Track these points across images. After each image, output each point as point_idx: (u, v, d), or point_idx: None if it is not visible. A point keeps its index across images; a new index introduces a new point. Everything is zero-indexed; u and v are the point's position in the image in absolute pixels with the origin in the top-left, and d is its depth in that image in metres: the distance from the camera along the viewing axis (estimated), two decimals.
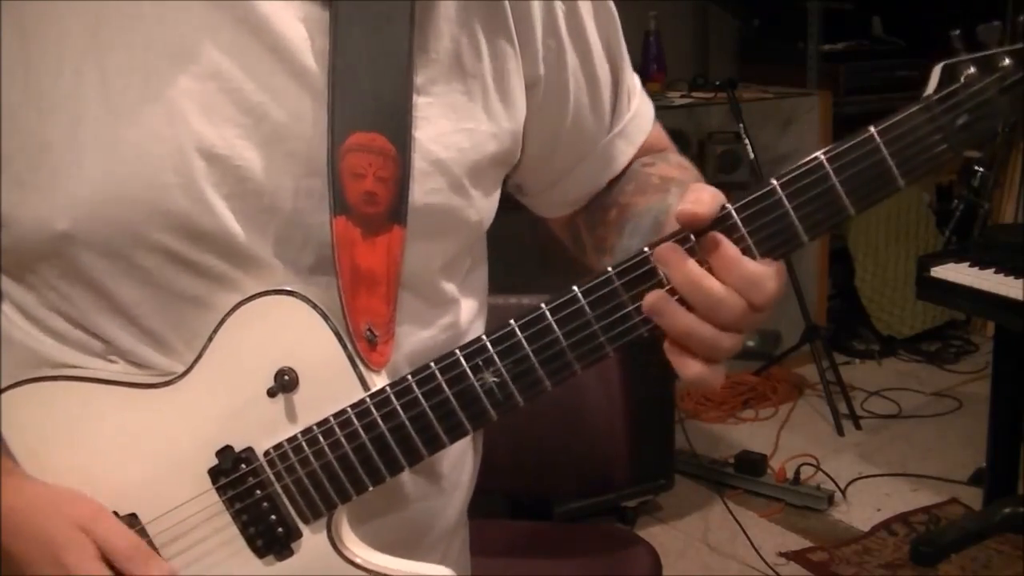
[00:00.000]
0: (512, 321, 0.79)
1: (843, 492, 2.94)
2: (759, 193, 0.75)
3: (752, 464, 2.99)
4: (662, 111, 4.15)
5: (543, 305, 0.78)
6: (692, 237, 0.76)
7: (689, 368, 0.77)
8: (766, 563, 2.61)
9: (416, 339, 0.89)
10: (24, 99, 0.78)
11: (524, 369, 0.79)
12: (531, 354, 0.79)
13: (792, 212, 0.75)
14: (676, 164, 1.02)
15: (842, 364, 3.59)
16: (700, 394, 3.50)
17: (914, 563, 2.57)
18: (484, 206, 0.91)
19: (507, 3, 0.88)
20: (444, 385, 0.80)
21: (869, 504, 2.89)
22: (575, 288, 0.78)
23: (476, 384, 0.80)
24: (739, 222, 0.75)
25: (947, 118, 0.74)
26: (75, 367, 0.85)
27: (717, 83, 3.47)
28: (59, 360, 0.86)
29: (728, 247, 0.75)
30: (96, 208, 0.79)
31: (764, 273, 0.76)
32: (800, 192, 0.75)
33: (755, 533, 2.70)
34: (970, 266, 2.39)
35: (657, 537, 2.71)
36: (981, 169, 3.80)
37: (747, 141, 3.35)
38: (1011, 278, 2.29)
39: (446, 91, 0.86)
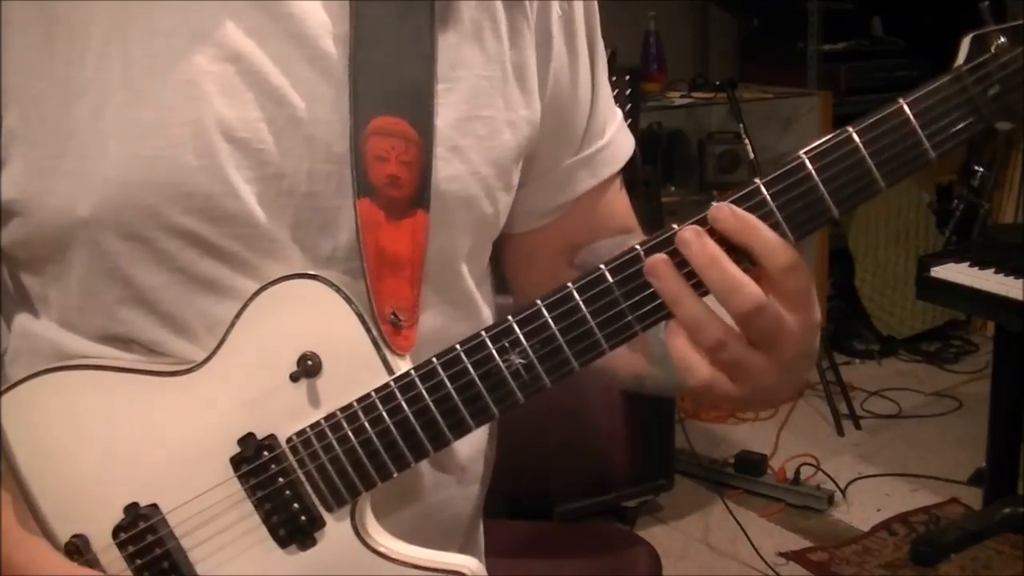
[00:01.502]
0: (538, 300, 0.77)
1: (843, 492, 2.94)
2: (787, 168, 0.74)
3: (752, 464, 2.99)
4: (662, 111, 4.12)
5: (569, 284, 0.77)
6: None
7: (695, 369, 0.75)
8: (766, 563, 2.61)
9: (436, 328, 0.89)
10: (49, 86, 0.79)
11: (551, 349, 0.77)
12: (558, 333, 0.77)
13: (822, 186, 0.73)
14: None
15: (842, 364, 3.60)
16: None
17: (914, 563, 2.57)
18: (500, 199, 0.90)
19: None
20: (470, 368, 0.79)
21: (869, 504, 2.89)
22: (602, 266, 0.76)
23: (503, 366, 0.78)
24: (768, 197, 0.74)
25: (977, 89, 0.72)
26: (95, 357, 0.85)
27: (717, 83, 3.47)
28: (78, 351, 0.86)
29: (745, 213, 0.73)
30: (118, 192, 0.79)
31: (783, 244, 0.73)
32: (829, 166, 0.73)
33: (755, 533, 2.70)
34: (970, 266, 2.39)
35: (657, 537, 2.71)
36: (981, 169, 3.80)
37: (747, 141, 3.35)
38: (1011, 278, 2.29)
39: (466, 76, 0.86)
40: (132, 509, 0.83)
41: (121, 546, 0.83)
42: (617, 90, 2.93)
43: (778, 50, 3.96)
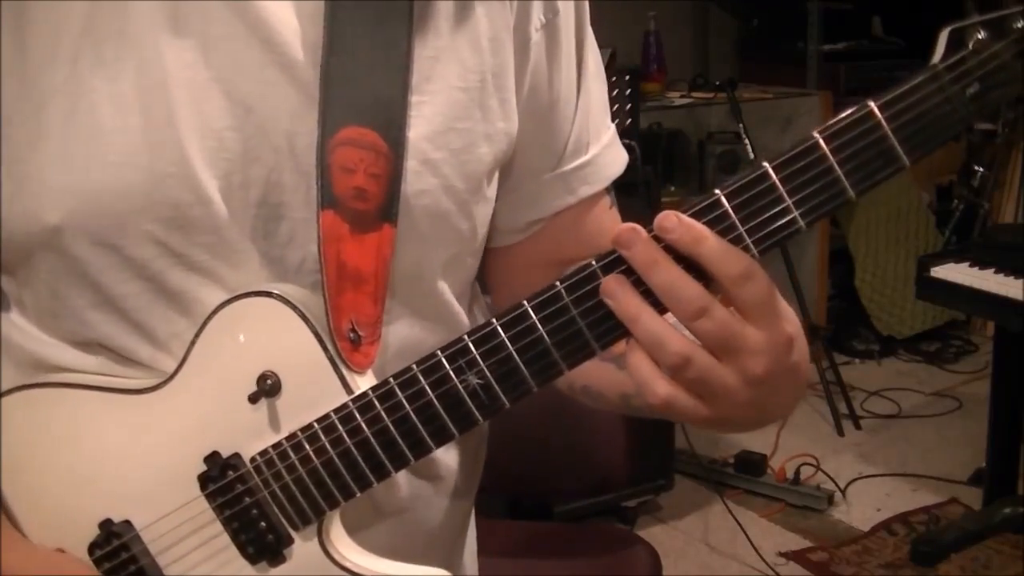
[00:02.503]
0: (494, 320, 0.75)
1: (843, 492, 2.94)
2: (750, 178, 0.69)
3: (752, 464, 2.99)
4: (662, 111, 4.10)
5: (525, 302, 0.74)
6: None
7: (653, 386, 0.71)
8: (766, 563, 2.61)
9: (411, 343, 0.88)
10: (20, 91, 0.78)
11: (508, 370, 0.75)
12: (515, 354, 0.75)
13: (786, 196, 0.68)
14: None
15: (842, 364, 3.60)
16: None
17: (914, 563, 2.57)
18: (475, 212, 0.88)
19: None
20: (427, 388, 0.77)
21: (869, 504, 2.89)
22: (557, 283, 0.73)
23: (460, 386, 0.76)
24: (730, 209, 0.69)
25: (956, 88, 0.67)
26: (63, 370, 0.85)
27: (717, 83, 3.47)
28: (48, 357, 0.85)
29: (694, 221, 0.69)
30: (87, 199, 0.78)
31: (729, 250, 0.69)
32: (794, 176, 0.68)
33: (755, 533, 2.70)
34: (970, 266, 2.39)
35: (657, 537, 2.71)
36: (981, 169, 3.81)
37: (747, 141, 3.35)
38: (1011, 278, 2.29)
39: (442, 88, 0.84)
40: (106, 525, 0.83)
41: (97, 563, 0.83)
42: (617, 90, 2.93)
43: (778, 50, 3.96)
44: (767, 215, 0.69)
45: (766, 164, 0.69)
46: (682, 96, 3.57)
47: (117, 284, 0.82)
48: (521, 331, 0.74)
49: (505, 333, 0.75)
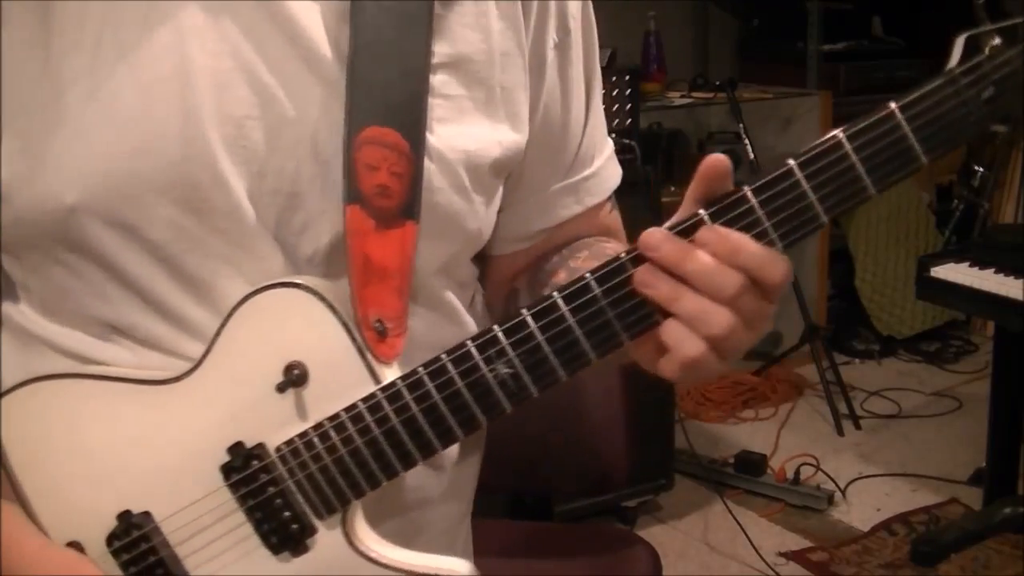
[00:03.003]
0: (524, 310, 0.77)
1: (843, 492, 2.94)
2: (776, 174, 0.73)
3: (752, 464, 2.99)
4: (662, 111, 4.11)
5: (555, 294, 0.76)
6: (703, 216, 0.74)
7: (691, 345, 0.73)
8: (766, 563, 2.61)
9: (422, 338, 0.88)
10: (42, 75, 0.79)
11: (538, 359, 0.77)
12: (544, 343, 0.77)
13: (811, 193, 0.72)
14: None
15: (842, 364, 3.60)
16: (700, 394, 3.50)
17: (914, 563, 2.57)
18: (483, 214, 0.90)
19: (520, 12, 0.88)
20: (456, 378, 0.79)
21: (869, 504, 2.89)
22: (587, 275, 0.76)
23: (489, 376, 0.78)
24: (756, 204, 0.73)
25: (972, 91, 0.70)
26: (83, 360, 0.85)
27: (717, 83, 3.48)
28: (66, 347, 0.86)
29: (729, 232, 0.73)
30: (105, 179, 0.79)
31: (768, 254, 0.74)
32: (819, 172, 0.72)
33: (755, 533, 2.70)
34: (970, 266, 2.39)
35: (657, 537, 2.71)
36: (981, 169, 3.81)
37: (747, 141, 3.36)
38: (1011, 278, 2.29)
39: (456, 95, 0.86)
40: (125, 517, 0.83)
41: (115, 554, 0.84)
42: (617, 90, 2.93)
43: (778, 50, 3.96)
44: (792, 211, 0.73)
45: (791, 161, 0.72)
46: (682, 96, 3.57)
47: (133, 265, 0.82)
48: (551, 322, 0.77)
49: (535, 323, 0.77)
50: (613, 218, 1.02)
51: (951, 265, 2.42)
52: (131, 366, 0.85)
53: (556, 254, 1.00)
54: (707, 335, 0.73)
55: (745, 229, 0.73)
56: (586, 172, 0.98)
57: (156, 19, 0.79)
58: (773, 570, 2.59)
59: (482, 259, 1.00)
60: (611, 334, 0.76)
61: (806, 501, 2.88)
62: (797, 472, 2.95)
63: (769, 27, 4.06)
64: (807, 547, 2.69)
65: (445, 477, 0.96)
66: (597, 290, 0.76)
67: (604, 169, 1.00)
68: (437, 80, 0.85)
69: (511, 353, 0.77)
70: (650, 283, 0.74)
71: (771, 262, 0.73)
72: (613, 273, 0.75)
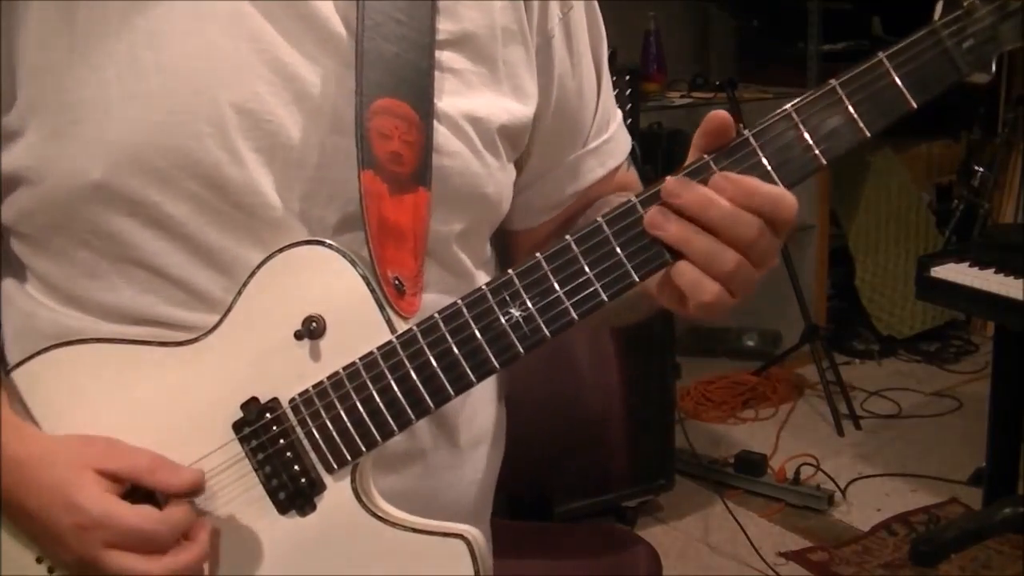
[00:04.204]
0: (538, 254, 0.80)
1: (843, 492, 2.94)
2: (775, 119, 0.78)
3: (752, 464, 2.99)
4: (662, 111, 4.11)
5: (568, 236, 0.79)
6: (710, 164, 0.78)
7: (705, 289, 0.77)
8: (766, 563, 2.61)
9: (437, 302, 0.89)
10: (66, 58, 0.81)
11: (550, 301, 0.80)
12: (556, 285, 0.79)
13: (808, 136, 0.77)
14: None
15: (842, 364, 3.60)
16: (700, 394, 3.51)
17: (914, 563, 2.57)
18: (500, 179, 0.93)
19: None
20: (471, 321, 0.80)
21: (869, 504, 2.89)
22: (599, 219, 0.79)
23: (503, 319, 0.80)
24: (757, 147, 0.78)
25: (952, 42, 0.77)
26: (102, 333, 0.86)
27: (717, 83, 3.48)
28: (86, 331, 0.87)
29: (740, 177, 0.77)
30: (129, 154, 0.81)
31: (780, 192, 0.78)
32: (814, 116, 0.77)
33: (755, 533, 2.70)
34: (970, 266, 2.39)
35: (657, 537, 2.71)
36: (981, 169, 3.81)
37: None
38: (1011, 278, 2.29)
39: (462, 70, 0.90)
40: None
41: None
42: (617, 90, 2.92)
43: (778, 50, 3.96)
44: (791, 154, 0.78)
45: (788, 107, 0.78)
46: (682, 96, 3.57)
47: (155, 242, 0.84)
48: (563, 263, 0.79)
49: (548, 266, 0.80)
50: (631, 175, 1.09)
51: (951, 265, 2.42)
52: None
53: (581, 215, 1.04)
54: (719, 273, 0.77)
55: (749, 171, 0.77)
56: (605, 136, 1.03)
57: (177, 3, 0.82)
58: (773, 570, 2.59)
59: (509, 236, 1.04)
60: (622, 274, 0.79)
61: (806, 501, 2.88)
62: (797, 472, 2.95)
63: (769, 27, 4.06)
64: (807, 547, 2.69)
65: (463, 457, 0.97)
66: (608, 231, 0.79)
67: (619, 133, 1.06)
68: (443, 56, 0.89)
69: (524, 296, 0.80)
70: (660, 224, 0.78)
71: (782, 200, 0.77)
72: (623, 215, 0.79)
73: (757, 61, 4.06)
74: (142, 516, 0.80)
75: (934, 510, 2.83)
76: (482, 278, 0.97)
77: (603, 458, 1.51)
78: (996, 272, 2.33)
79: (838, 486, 2.95)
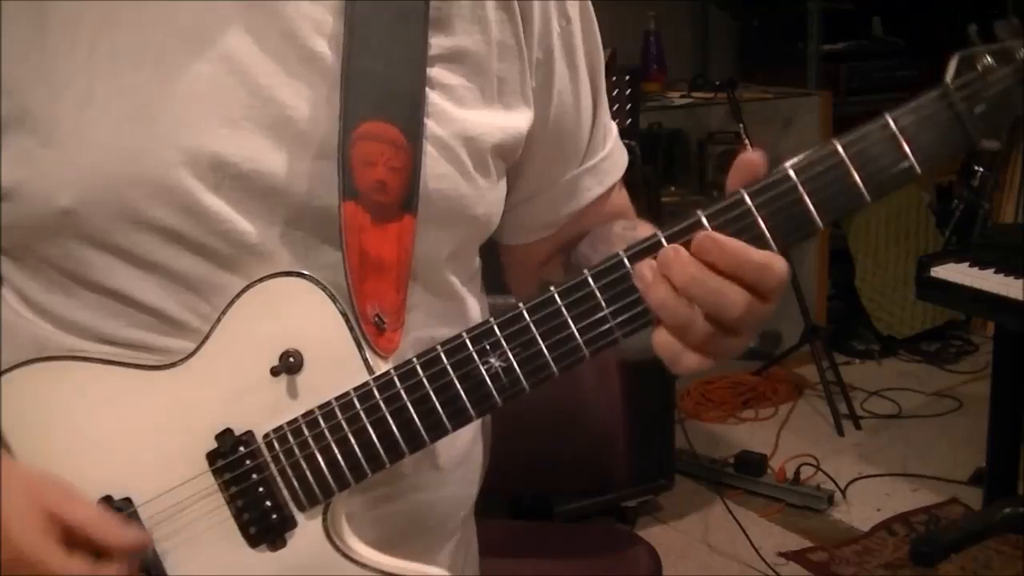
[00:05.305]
0: (520, 304, 0.77)
1: (843, 492, 2.94)
2: (773, 179, 0.74)
3: (752, 464, 2.99)
4: (662, 111, 4.11)
5: (552, 288, 0.77)
6: (703, 220, 0.75)
7: (682, 364, 0.75)
8: (766, 563, 2.61)
9: (424, 330, 0.89)
10: (37, 76, 0.79)
11: (531, 354, 0.77)
12: (539, 338, 0.77)
13: (807, 198, 0.74)
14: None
15: (842, 364, 3.59)
16: (700, 394, 3.50)
17: (914, 563, 2.57)
18: (490, 199, 0.91)
19: (516, 5, 0.89)
20: (449, 369, 0.79)
21: (869, 504, 2.89)
22: (585, 271, 0.77)
23: (482, 368, 0.78)
24: (753, 208, 0.74)
25: (964, 106, 0.73)
26: (78, 350, 0.85)
27: (717, 83, 3.47)
28: (60, 345, 0.85)
29: (729, 239, 0.74)
30: (100, 184, 0.79)
31: (768, 259, 0.74)
32: (815, 178, 0.74)
33: (755, 533, 2.70)
34: (970, 266, 2.39)
35: (657, 537, 2.70)
36: (981, 169, 3.80)
37: (747, 141, 3.35)
38: (1011, 278, 2.29)
39: (454, 86, 0.87)
40: (106, 502, 0.83)
41: None
42: (617, 90, 2.93)
43: (778, 50, 3.96)
44: (789, 214, 0.74)
45: (787, 166, 0.74)
46: (682, 96, 3.57)
47: (123, 272, 0.82)
48: (546, 316, 0.77)
49: (530, 317, 0.77)
50: (623, 196, 1.05)
51: (951, 265, 2.42)
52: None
53: (576, 235, 1.01)
54: (694, 344, 0.75)
55: (741, 231, 0.74)
56: (602, 153, 1.01)
57: (150, 22, 0.79)
58: (773, 570, 2.59)
59: (501, 247, 1.02)
60: (605, 331, 0.77)
61: (806, 501, 2.88)
62: (797, 472, 2.95)
63: (769, 27, 4.06)
64: (807, 547, 2.69)
65: (442, 475, 0.96)
66: (594, 285, 0.76)
67: (615, 150, 1.03)
68: (435, 72, 0.86)
69: (505, 346, 0.78)
70: (644, 280, 0.75)
71: (770, 268, 0.74)
72: (610, 270, 0.76)
73: (757, 61, 4.06)
74: (75, 566, 0.78)
75: (934, 510, 2.83)
76: (470, 299, 0.95)
77: (603, 458, 1.51)
78: (996, 272, 2.33)
79: (838, 486, 2.94)
